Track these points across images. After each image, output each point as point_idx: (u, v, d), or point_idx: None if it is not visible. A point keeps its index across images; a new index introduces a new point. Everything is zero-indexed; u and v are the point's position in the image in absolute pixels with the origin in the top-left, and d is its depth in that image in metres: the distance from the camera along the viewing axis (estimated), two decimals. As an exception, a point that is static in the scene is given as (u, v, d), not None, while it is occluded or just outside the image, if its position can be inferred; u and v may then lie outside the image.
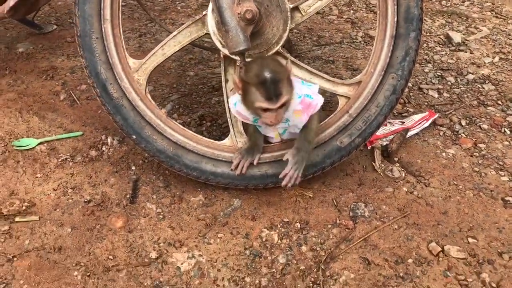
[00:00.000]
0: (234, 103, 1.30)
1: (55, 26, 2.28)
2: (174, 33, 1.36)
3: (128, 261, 1.23)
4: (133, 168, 1.51)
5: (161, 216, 1.36)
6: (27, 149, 1.57)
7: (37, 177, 1.48)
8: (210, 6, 1.31)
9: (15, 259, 1.23)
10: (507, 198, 1.40)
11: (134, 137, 1.38)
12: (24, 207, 1.38)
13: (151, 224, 1.33)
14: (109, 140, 1.61)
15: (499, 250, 1.26)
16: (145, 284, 1.18)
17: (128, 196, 1.42)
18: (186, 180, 1.44)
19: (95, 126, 1.68)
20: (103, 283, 1.18)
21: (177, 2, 2.52)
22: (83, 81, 1.90)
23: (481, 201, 1.40)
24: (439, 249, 1.25)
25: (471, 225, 1.33)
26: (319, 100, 1.27)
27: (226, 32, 1.21)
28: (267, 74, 1.13)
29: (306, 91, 1.27)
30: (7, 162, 1.52)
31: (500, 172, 1.49)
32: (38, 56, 2.06)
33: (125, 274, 1.20)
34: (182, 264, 1.23)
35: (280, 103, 1.14)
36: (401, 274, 1.20)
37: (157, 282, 1.18)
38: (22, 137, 1.62)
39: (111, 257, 1.25)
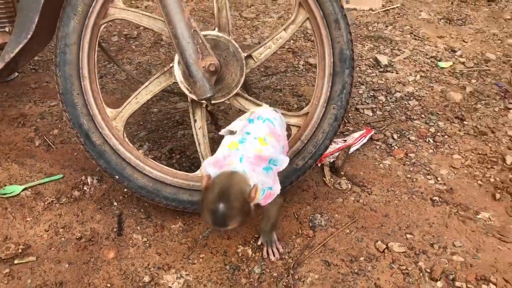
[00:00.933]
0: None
1: (16, 74, 2.39)
2: (146, 83, 1.57)
3: (125, 287, 1.42)
4: (115, 203, 1.69)
5: (147, 244, 1.55)
6: (13, 196, 1.71)
7: (27, 220, 1.62)
8: (176, 59, 1.52)
9: (21, 298, 1.39)
10: (434, 198, 1.71)
11: (117, 177, 1.56)
12: (20, 250, 1.52)
13: (140, 252, 1.52)
14: (89, 180, 1.77)
15: (430, 242, 1.55)
16: (143, 305, 1.37)
17: (114, 229, 1.59)
18: (164, 210, 1.64)
19: (73, 168, 1.83)
20: (106, 309, 1.36)
21: (131, 42, 2.70)
22: (54, 126, 2.05)
23: (414, 203, 1.70)
24: (384, 246, 1.52)
25: (408, 223, 1.62)
26: (277, 188, 1.36)
27: (194, 83, 1.44)
28: (219, 207, 1.22)
29: (269, 183, 1.34)
30: (-4, 209, 1.66)
31: (427, 177, 1.80)
32: (5, 104, 2.18)
33: (124, 298, 1.39)
34: (172, 284, 1.42)
35: (224, 230, 1.33)
36: (356, 271, 1.46)
37: (154, 302, 1.38)
38: (6, 185, 1.75)
39: (109, 285, 1.42)
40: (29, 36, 1.46)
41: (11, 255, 1.50)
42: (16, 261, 1.48)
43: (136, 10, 1.57)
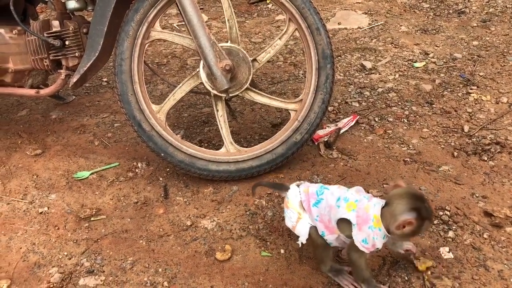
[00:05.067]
0: (364, 241, 1.46)
1: (74, 97, 2.99)
2: (180, 85, 2.12)
3: (173, 229, 1.92)
4: (161, 178, 2.22)
5: (187, 203, 2.06)
6: (83, 179, 2.26)
7: (96, 194, 2.16)
8: (201, 65, 2.07)
9: (99, 240, 1.90)
10: (406, 159, 2.19)
11: (162, 154, 2.10)
12: (94, 212, 2.05)
13: (182, 208, 2.03)
14: (139, 164, 2.31)
15: (401, 188, 2.02)
16: (187, 240, 1.87)
17: (162, 195, 2.11)
18: (198, 180, 2.15)
19: (126, 158, 2.38)
20: (161, 243, 1.86)
21: (162, 67, 3.30)
22: (107, 131, 2.61)
23: (390, 163, 2.18)
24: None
25: (385, 177, 2.10)
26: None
27: (215, 79, 1.99)
28: (428, 204, 1.43)
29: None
30: (72, 188, 2.20)
31: (401, 145, 2.29)
32: (68, 119, 2.76)
33: (173, 236, 1.89)
34: (207, 225, 1.92)
35: None
36: (344, 209, 1.93)
37: (195, 237, 1.87)
38: (77, 172, 2.30)
39: (161, 229, 1.93)
40: (96, 55, 2.03)
41: (88, 215, 2.03)
42: (92, 219, 2.01)
43: (170, 32, 2.15)
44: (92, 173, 2.28)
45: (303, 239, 1.59)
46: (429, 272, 1.62)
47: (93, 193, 2.16)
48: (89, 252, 1.84)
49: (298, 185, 1.67)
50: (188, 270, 1.73)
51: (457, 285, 1.58)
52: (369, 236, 1.45)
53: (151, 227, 1.94)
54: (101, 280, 1.71)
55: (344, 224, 1.52)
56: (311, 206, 1.58)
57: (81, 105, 2.91)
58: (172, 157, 2.10)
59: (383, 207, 1.47)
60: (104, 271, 1.75)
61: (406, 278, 1.61)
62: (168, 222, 1.96)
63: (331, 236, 1.56)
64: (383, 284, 1.60)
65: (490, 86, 2.68)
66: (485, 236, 1.75)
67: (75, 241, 1.89)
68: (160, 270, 1.74)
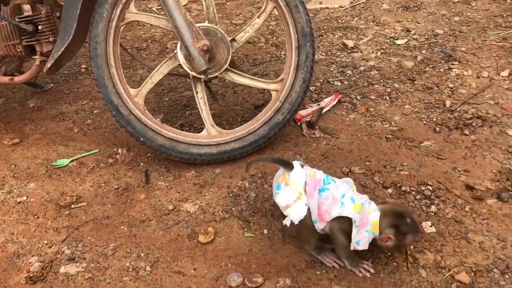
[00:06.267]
0: (357, 242, 1.51)
1: (52, 84, 2.93)
2: (158, 67, 2.08)
3: (155, 214, 1.90)
4: (142, 164, 2.18)
5: (169, 187, 2.03)
6: (63, 166, 2.21)
7: (76, 181, 2.12)
8: (178, 46, 2.03)
9: (80, 227, 1.87)
10: (387, 136, 2.18)
11: (142, 139, 2.06)
12: (74, 199, 2.01)
13: (164, 192, 2.01)
14: (119, 150, 2.26)
15: (384, 165, 2.01)
16: (169, 224, 1.84)
17: (143, 180, 2.08)
18: (180, 164, 2.12)
19: (106, 144, 2.34)
20: (142, 228, 1.83)
21: (141, 52, 3.24)
22: (87, 118, 2.56)
23: (372, 141, 2.17)
24: (348, 170, 1.99)
25: (367, 155, 2.09)
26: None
27: (192, 60, 1.95)
28: (410, 220, 1.50)
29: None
30: (52, 176, 2.15)
31: (383, 123, 2.28)
32: (47, 107, 2.71)
33: (155, 221, 1.86)
34: (190, 209, 1.90)
35: None
36: (326, 188, 1.92)
37: (177, 221, 1.85)
38: (56, 160, 2.26)
39: (143, 215, 1.90)
40: (70, 38, 1.98)
41: (68, 203, 1.99)
42: (72, 206, 1.97)
43: (146, 13, 2.10)
44: (71, 161, 2.24)
45: (297, 220, 1.57)
46: (411, 247, 1.62)
47: (73, 181, 2.12)
48: (70, 240, 1.81)
49: (301, 165, 1.63)
50: (170, 254, 1.71)
51: (439, 258, 1.58)
52: (364, 238, 1.50)
53: (132, 213, 1.92)
54: (82, 267, 1.68)
55: (342, 220, 1.53)
56: (315, 192, 1.56)
57: (60, 93, 2.85)
58: (152, 141, 2.07)
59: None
60: (85, 258, 1.72)
61: (389, 254, 1.61)
62: (149, 207, 1.94)
63: (320, 224, 1.58)
64: (366, 260, 1.59)
65: (471, 61, 2.68)
66: (466, 209, 1.76)
67: (55, 229, 1.86)
68: (142, 255, 1.72)
